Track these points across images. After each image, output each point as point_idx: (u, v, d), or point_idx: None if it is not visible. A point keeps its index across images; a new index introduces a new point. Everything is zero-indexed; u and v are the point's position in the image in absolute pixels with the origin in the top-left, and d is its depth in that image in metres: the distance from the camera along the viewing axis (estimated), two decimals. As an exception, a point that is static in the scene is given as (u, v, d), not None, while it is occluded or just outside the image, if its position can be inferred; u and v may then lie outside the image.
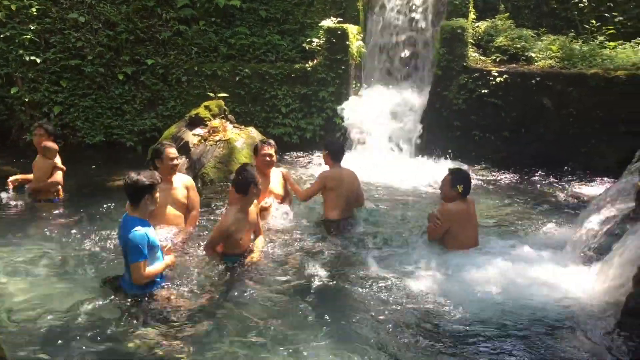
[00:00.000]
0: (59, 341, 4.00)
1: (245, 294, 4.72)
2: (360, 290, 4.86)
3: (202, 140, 8.15)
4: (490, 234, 6.31)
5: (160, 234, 5.22)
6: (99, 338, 4.04)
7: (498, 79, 9.54)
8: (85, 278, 5.09)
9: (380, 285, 4.92)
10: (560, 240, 6.05)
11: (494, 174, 9.24)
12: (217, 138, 8.23)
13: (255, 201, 5.32)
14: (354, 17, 11.07)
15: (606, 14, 10.59)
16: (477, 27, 10.75)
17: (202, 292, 4.72)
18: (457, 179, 5.52)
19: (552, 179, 8.93)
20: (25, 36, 10.72)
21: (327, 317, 4.36)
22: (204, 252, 5.25)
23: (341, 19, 10.83)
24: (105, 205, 7.06)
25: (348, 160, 6.90)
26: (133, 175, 4.47)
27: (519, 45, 10.06)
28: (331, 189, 6.31)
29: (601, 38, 9.98)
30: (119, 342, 4.00)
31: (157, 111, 11.01)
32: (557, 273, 5.13)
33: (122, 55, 10.96)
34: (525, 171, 9.29)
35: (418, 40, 11.13)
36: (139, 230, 4.35)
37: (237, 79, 10.71)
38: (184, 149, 7.99)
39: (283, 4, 11.25)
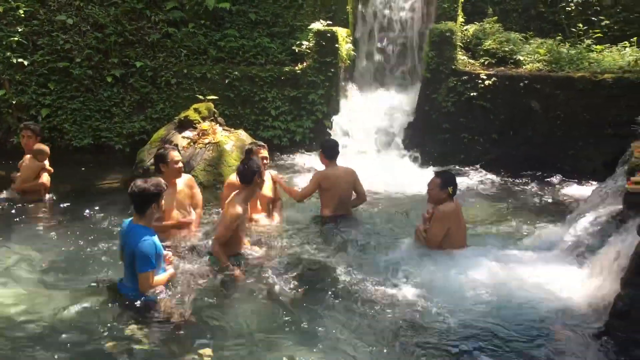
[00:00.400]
0: (46, 344, 3.97)
1: (240, 299, 4.72)
2: (350, 292, 4.86)
3: (192, 143, 8.10)
4: (480, 236, 6.34)
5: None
6: (89, 340, 4.02)
7: (487, 82, 9.60)
8: (72, 280, 5.06)
9: (370, 287, 4.93)
10: (549, 241, 6.09)
11: (482, 176, 9.28)
12: (206, 141, 8.19)
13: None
14: (343, 20, 11.09)
15: (593, 18, 10.69)
16: (466, 30, 10.80)
17: (201, 294, 4.70)
18: (446, 180, 5.57)
19: (540, 181, 8.99)
20: (12, 38, 10.62)
21: (318, 320, 4.37)
22: (206, 258, 5.21)
23: (330, 22, 10.83)
24: (93, 208, 7.03)
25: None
26: (140, 183, 4.38)
27: (507, 49, 10.13)
28: (326, 189, 6.38)
29: (588, 41, 10.07)
30: (113, 343, 3.98)
31: (146, 114, 10.95)
32: (545, 274, 5.16)
33: (110, 57, 10.89)
34: (514, 173, 9.33)
35: (407, 43, 11.16)
36: (148, 240, 4.29)
37: (226, 81, 10.68)
38: (173, 151, 7.95)
39: (273, 6, 11.24)
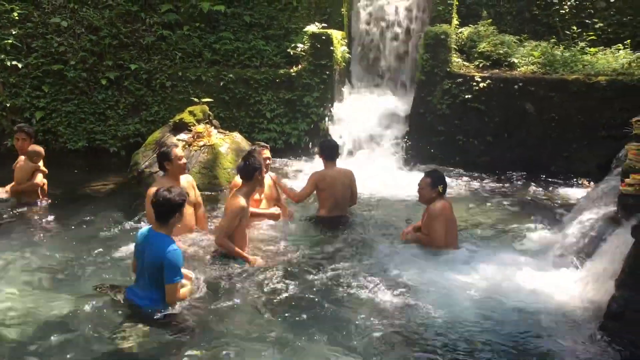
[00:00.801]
0: (42, 348, 3.96)
1: (238, 300, 4.70)
2: (343, 294, 4.87)
3: (187, 146, 8.10)
4: (474, 238, 6.35)
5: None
6: (89, 345, 4.00)
7: (481, 85, 9.63)
8: (68, 284, 5.04)
9: (363, 291, 4.92)
10: (544, 243, 6.11)
11: (477, 178, 9.30)
12: (201, 143, 8.20)
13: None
14: (338, 23, 11.10)
15: (587, 21, 10.74)
16: (460, 33, 10.84)
17: (201, 298, 4.69)
18: (436, 179, 5.62)
19: (534, 183, 9.01)
20: (6, 41, 10.59)
21: (311, 324, 4.37)
22: (211, 255, 5.24)
23: (325, 25, 10.84)
24: (87, 211, 7.01)
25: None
26: (165, 193, 4.33)
27: (501, 51, 10.16)
28: (323, 189, 6.42)
29: (582, 44, 10.11)
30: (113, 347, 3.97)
31: (140, 116, 10.92)
32: (540, 277, 5.17)
33: (105, 60, 10.86)
34: (508, 175, 9.37)
35: (401, 46, 11.19)
36: (177, 250, 4.25)
37: (221, 84, 10.67)
38: (168, 154, 7.94)
39: (267, 9, 11.24)
